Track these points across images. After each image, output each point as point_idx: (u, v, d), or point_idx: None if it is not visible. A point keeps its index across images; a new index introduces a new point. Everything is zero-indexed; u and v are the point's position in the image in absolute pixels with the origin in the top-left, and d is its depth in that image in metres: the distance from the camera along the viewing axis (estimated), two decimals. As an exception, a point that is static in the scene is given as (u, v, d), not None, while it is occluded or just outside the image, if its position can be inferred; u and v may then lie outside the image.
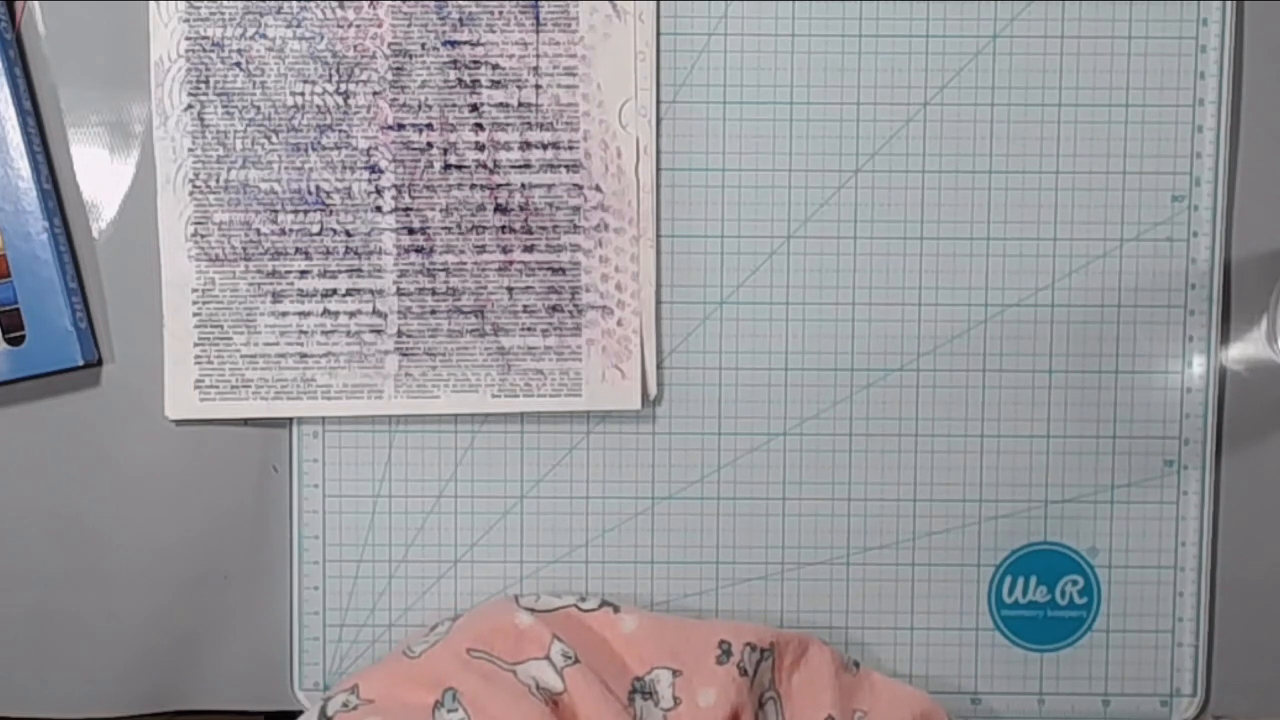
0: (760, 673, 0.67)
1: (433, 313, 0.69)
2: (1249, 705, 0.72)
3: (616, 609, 0.68)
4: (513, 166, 0.69)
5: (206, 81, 0.68)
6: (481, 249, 0.69)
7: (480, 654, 0.64)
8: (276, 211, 0.69)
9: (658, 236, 0.70)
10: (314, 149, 0.69)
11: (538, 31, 0.68)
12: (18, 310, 0.68)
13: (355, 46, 0.68)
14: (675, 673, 0.66)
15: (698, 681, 0.65)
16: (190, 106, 0.68)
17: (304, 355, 0.69)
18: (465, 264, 0.69)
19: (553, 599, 0.68)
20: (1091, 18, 0.69)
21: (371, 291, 0.69)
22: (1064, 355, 0.71)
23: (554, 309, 0.70)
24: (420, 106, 0.69)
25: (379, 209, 0.69)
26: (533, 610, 0.67)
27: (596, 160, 0.69)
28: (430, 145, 0.69)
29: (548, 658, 0.65)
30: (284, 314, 0.69)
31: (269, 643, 0.71)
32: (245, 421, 0.70)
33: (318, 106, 0.69)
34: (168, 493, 0.70)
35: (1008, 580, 0.71)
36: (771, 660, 0.67)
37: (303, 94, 0.68)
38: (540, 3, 0.68)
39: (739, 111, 0.70)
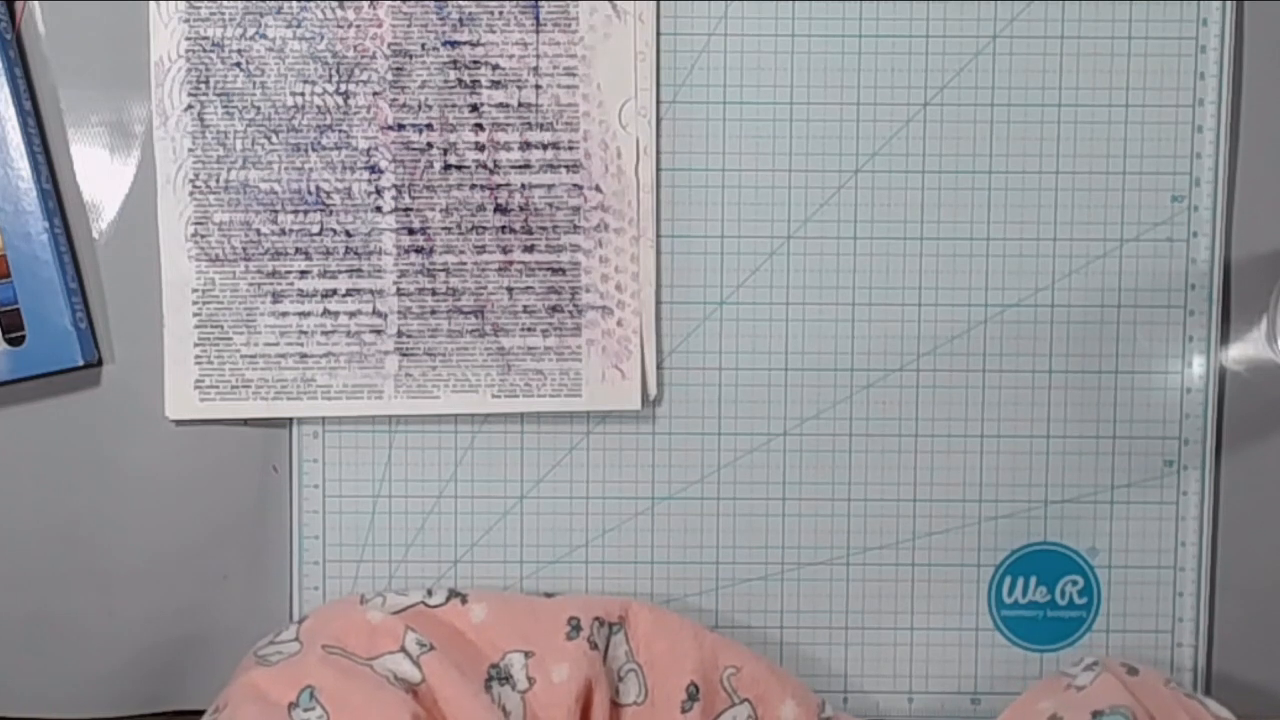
0: (613, 645, 0.68)
1: (433, 313, 0.69)
2: (1249, 705, 0.71)
3: (465, 599, 0.68)
4: (513, 166, 0.69)
5: (206, 82, 0.68)
6: (481, 249, 0.69)
7: (335, 650, 0.65)
8: (276, 211, 0.69)
9: (658, 236, 0.70)
10: (314, 149, 0.69)
11: (538, 31, 0.68)
12: (18, 310, 0.68)
13: (355, 46, 0.68)
14: (528, 654, 0.66)
15: (550, 660, 0.66)
16: (190, 106, 0.68)
17: (304, 355, 0.69)
18: (465, 264, 0.69)
19: (400, 598, 0.68)
20: (1091, 18, 0.69)
21: (371, 292, 0.69)
22: (1064, 355, 0.71)
23: (554, 309, 0.70)
24: (420, 106, 0.69)
25: (379, 209, 0.69)
26: (381, 610, 0.67)
27: (596, 160, 0.69)
28: (430, 145, 0.69)
29: (403, 649, 0.65)
30: (284, 314, 0.69)
31: (269, 643, 0.71)
32: (245, 421, 0.70)
33: (318, 106, 0.69)
34: (168, 493, 0.70)
35: (1008, 580, 0.71)
36: (624, 632, 0.68)
37: (303, 94, 0.68)
38: (540, 3, 0.68)
39: (739, 111, 0.70)
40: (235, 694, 0.63)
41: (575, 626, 0.67)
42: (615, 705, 0.67)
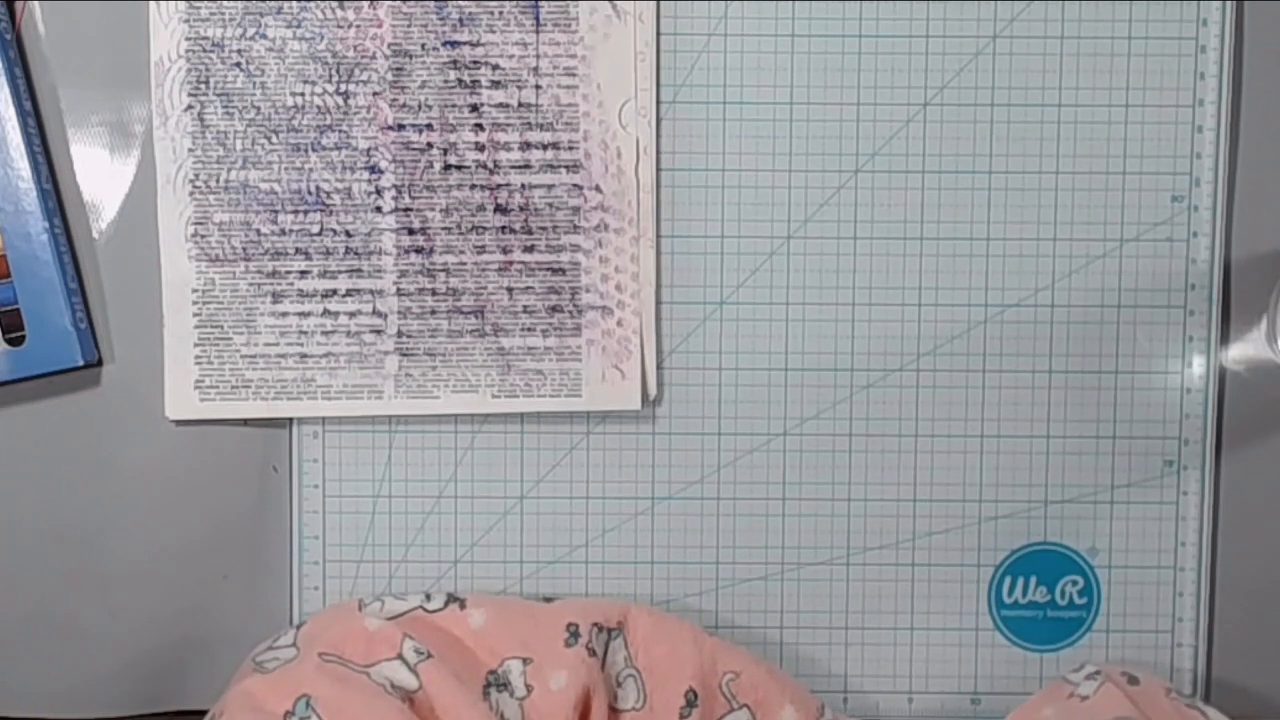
0: (611, 650, 0.67)
1: (433, 313, 0.69)
2: (1249, 705, 0.72)
3: (463, 604, 0.68)
4: (513, 167, 0.69)
5: (206, 82, 0.68)
6: (481, 249, 0.69)
7: (332, 658, 0.64)
8: (276, 212, 0.69)
9: (658, 236, 0.70)
10: (314, 149, 0.69)
11: (538, 31, 0.68)
12: (18, 310, 0.68)
13: (355, 47, 0.68)
14: (526, 661, 0.66)
15: (548, 667, 0.66)
16: (190, 107, 0.68)
17: (304, 355, 0.69)
18: (465, 264, 0.69)
19: (398, 602, 0.68)
20: (1091, 18, 0.69)
21: (371, 292, 0.69)
22: (1064, 355, 0.71)
23: (554, 309, 0.70)
24: (420, 106, 0.69)
25: (379, 209, 0.69)
26: (379, 616, 0.67)
27: (596, 160, 0.69)
28: (430, 145, 0.69)
29: (400, 656, 0.65)
30: (284, 314, 0.69)
31: (269, 643, 0.71)
32: (245, 422, 0.70)
33: (318, 107, 0.69)
34: (168, 493, 0.70)
35: (1008, 580, 0.72)
36: (623, 637, 0.68)
37: (303, 94, 0.68)
38: (540, 3, 0.68)
39: (739, 111, 0.70)
40: (231, 702, 0.63)
41: (574, 633, 0.66)
42: (614, 710, 0.67)
